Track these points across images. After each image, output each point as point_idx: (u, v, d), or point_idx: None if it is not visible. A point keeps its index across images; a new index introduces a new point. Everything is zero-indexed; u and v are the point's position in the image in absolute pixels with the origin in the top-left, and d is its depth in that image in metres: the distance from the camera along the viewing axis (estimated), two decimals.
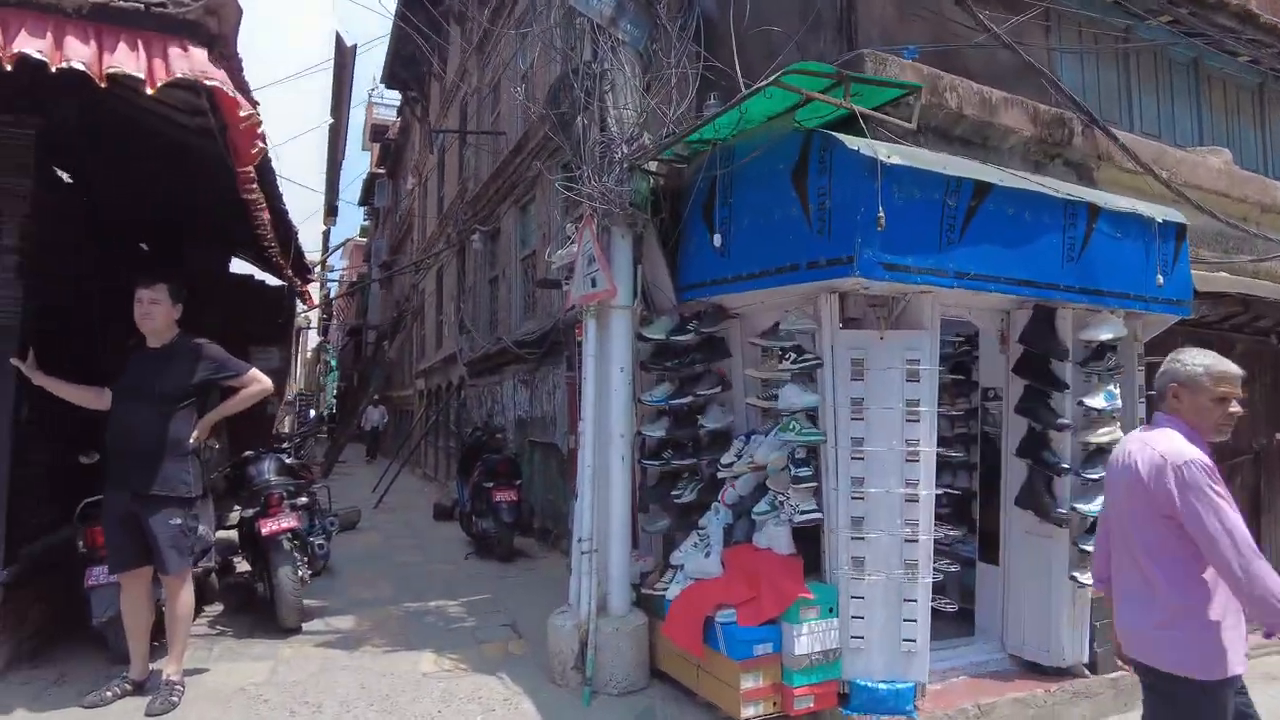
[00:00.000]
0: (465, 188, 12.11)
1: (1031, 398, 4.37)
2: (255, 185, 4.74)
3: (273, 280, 9.81)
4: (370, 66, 40.96)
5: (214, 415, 4.05)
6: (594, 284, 4.21)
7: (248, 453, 6.16)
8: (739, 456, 4.30)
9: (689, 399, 4.45)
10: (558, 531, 8.02)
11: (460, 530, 8.76)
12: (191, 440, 3.88)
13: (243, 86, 3.86)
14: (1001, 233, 3.89)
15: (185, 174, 5.83)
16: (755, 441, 4.30)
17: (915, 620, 3.76)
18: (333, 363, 51.30)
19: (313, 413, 9.76)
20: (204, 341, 4.03)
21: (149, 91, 3.24)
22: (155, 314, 3.89)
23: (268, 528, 4.89)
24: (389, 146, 26.48)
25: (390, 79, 18.39)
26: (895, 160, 3.43)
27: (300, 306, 11.79)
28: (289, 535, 5.02)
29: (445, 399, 13.70)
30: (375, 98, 33.00)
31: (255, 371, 4.13)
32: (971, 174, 3.73)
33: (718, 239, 4.11)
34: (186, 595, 3.90)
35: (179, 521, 3.79)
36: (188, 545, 3.85)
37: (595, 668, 4.00)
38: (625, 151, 4.23)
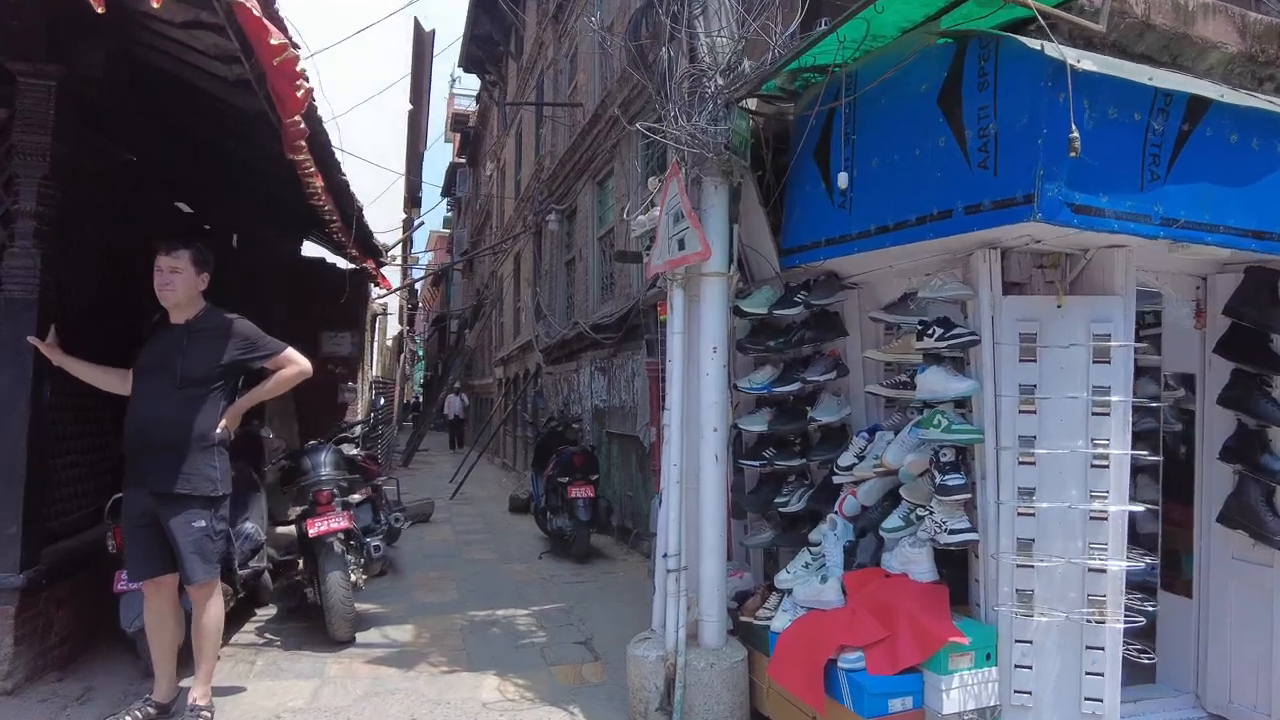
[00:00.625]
0: (541, 167, 11.56)
1: (1241, 385, 3.39)
2: (305, 145, 4.22)
3: (345, 264, 9.51)
4: (448, 65, 41.21)
5: (245, 401, 3.52)
6: (681, 246, 3.47)
7: (309, 443, 5.72)
8: (860, 457, 3.50)
9: (796, 386, 3.66)
10: (638, 531, 7.35)
11: (535, 525, 8.23)
12: (219, 430, 3.36)
13: (275, 18, 3.30)
14: (1221, 167, 2.94)
15: (236, 141, 5.42)
16: (881, 439, 3.50)
17: (1102, 674, 2.90)
18: (420, 352, 52.29)
19: (382, 401, 9.42)
20: (234, 317, 3.51)
21: (154, 5, 2.68)
22: (176, 284, 3.38)
23: (315, 528, 4.39)
24: (468, 135, 26.40)
25: (467, 63, 18.08)
26: (1087, 66, 2.55)
27: (375, 291, 11.52)
28: (340, 536, 4.51)
29: (522, 387, 13.25)
30: (456, 89, 33.22)
31: (292, 352, 3.58)
32: (1185, 87, 2.80)
33: (839, 185, 3.30)
34: (214, 608, 3.39)
35: (203, 524, 3.28)
36: (214, 550, 3.34)
37: (683, 711, 3.29)
38: (720, 84, 3.46)
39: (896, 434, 3.39)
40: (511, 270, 15.58)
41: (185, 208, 7.51)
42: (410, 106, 19.22)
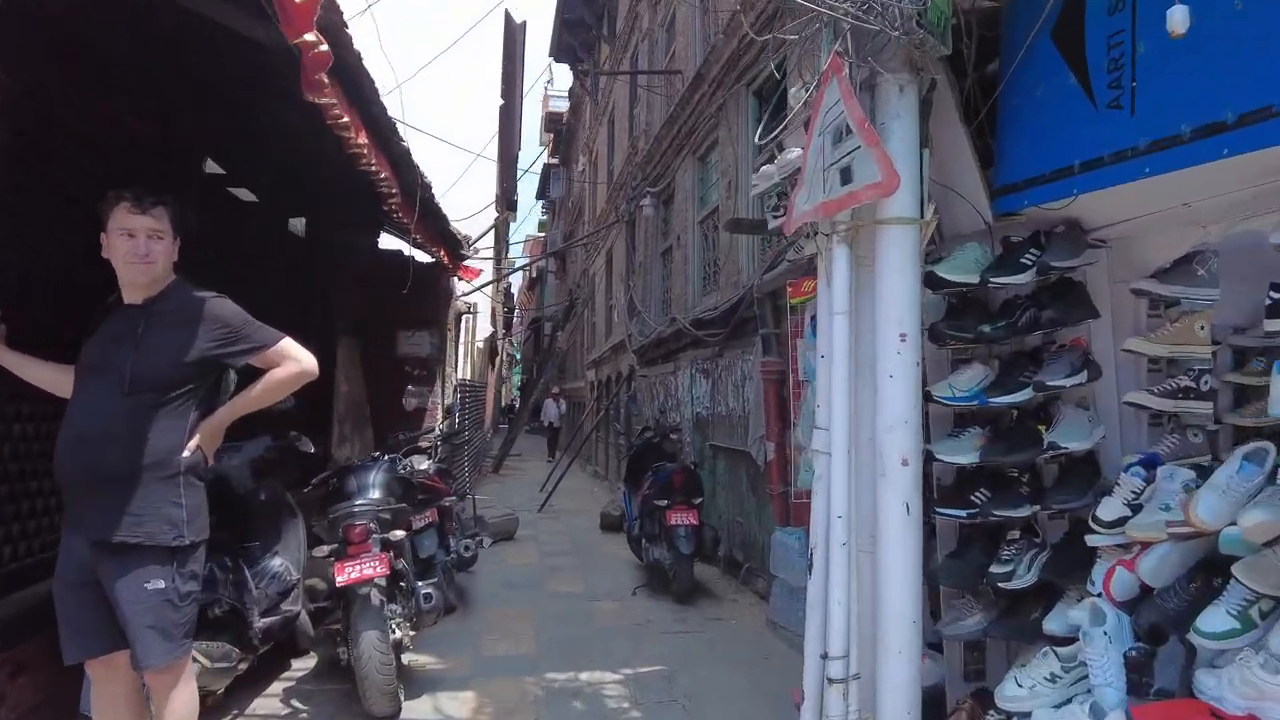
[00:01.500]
0: (635, 149, 10.50)
1: None
2: (326, 82, 3.26)
3: (425, 258, 8.72)
4: (538, 68, 41.15)
5: (227, 413, 2.54)
6: (847, 179, 2.26)
7: (360, 459, 4.82)
8: (1134, 506, 2.21)
9: (1025, 394, 2.39)
10: (750, 565, 6.14)
11: (628, 548, 7.16)
12: (187, 453, 2.39)
13: None
14: None
15: (284, 107, 4.57)
16: (1170, 479, 2.19)
17: None
18: (517, 355, 52.48)
19: (456, 405, 8.58)
20: (210, 295, 2.54)
21: None
22: (157, 255, 2.45)
23: (344, 575, 3.41)
24: (561, 132, 25.82)
25: (559, 51, 17.30)
26: None
27: (460, 287, 10.76)
28: (380, 584, 3.52)
29: (614, 392, 12.22)
30: (550, 90, 32.90)
31: (289, 344, 2.58)
32: None
33: (1105, 81, 2.02)
34: (181, 699, 2.43)
35: (162, 585, 2.32)
36: (180, 621, 2.37)
37: None
38: None
39: (1213, 476, 2.07)
40: (603, 266, 14.63)
41: (247, 194, 6.86)
42: (502, 102, 18.67)
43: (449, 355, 9.95)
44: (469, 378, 14.61)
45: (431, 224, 6.72)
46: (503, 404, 40.02)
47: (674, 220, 8.96)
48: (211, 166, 5.78)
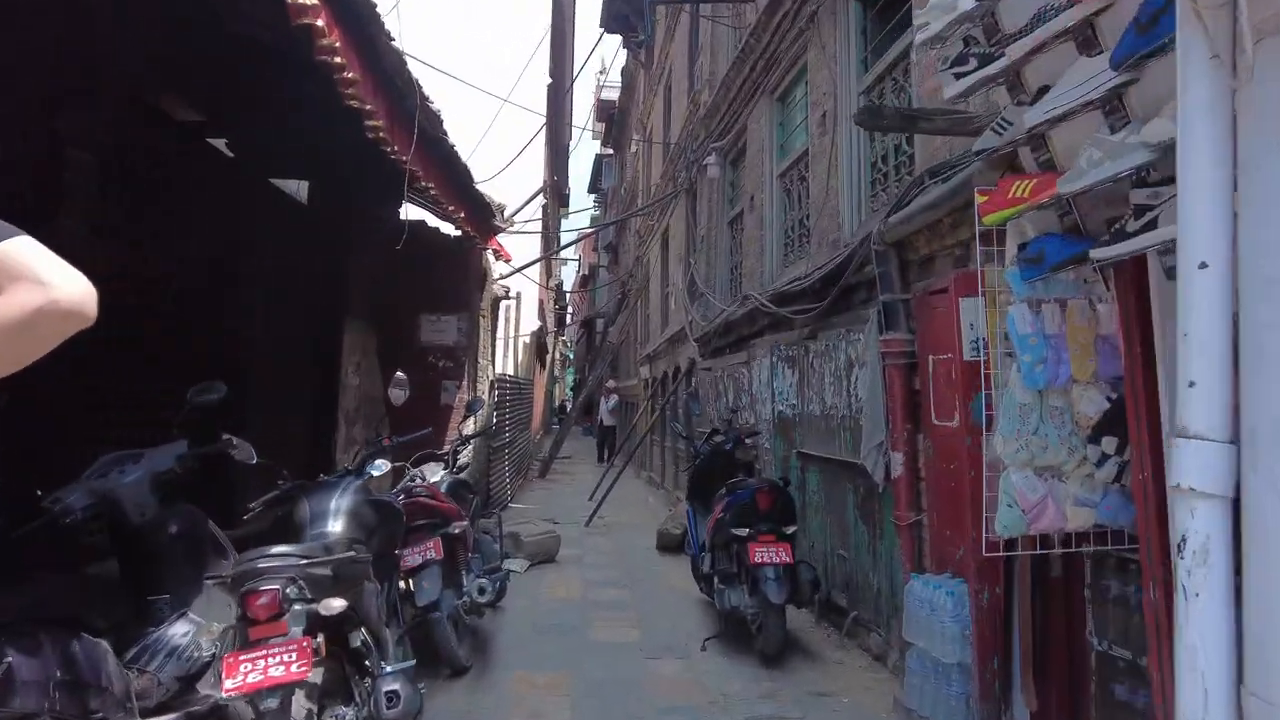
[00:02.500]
0: (696, 105, 9.04)
1: None
2: None
3: (452, 231, 7.45)
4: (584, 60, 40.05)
5: None
6: None
7: (326, 475, 3.51)
8: None
9: None
10: (860, 615, 4.62)
11: (690, 573, 5.74)
12: None
13: None
14: None
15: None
16: None
17: None
18: (570, 354, 51.38)
19: (480, 404, 7.21)
20: None
21: None
22: None
23: (233, 678, 2.04)
24: (613, 118, 24.56)
25: (609, 20, 15.89)
26: None
27: (498, 269, 9.47)
28: (309, 683, 2.14)
29: (671, 389, 10.76)
30: (603, 81, 31.75)
31: (27, 250, 1.18)
32: None
33: None
34: None
35: None
36: None
37: None
38: None
39: None
40: (658, 250, 13.20)
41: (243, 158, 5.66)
42: (550, 80, 17.42)
43: (483, 345, 8.65)
44: (512, 373, 13.37)
45: (447, 172, 5.41)
46: (555, 404, 39.06)
47: (744, 179, 7.48)
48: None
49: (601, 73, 37.61)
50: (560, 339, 49.53)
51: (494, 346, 9.64)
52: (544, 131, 14.71)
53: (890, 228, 3.89)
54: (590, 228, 28.86)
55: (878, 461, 4.27)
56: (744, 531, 4.39)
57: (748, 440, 5.81)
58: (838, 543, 4.95)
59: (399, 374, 7.32)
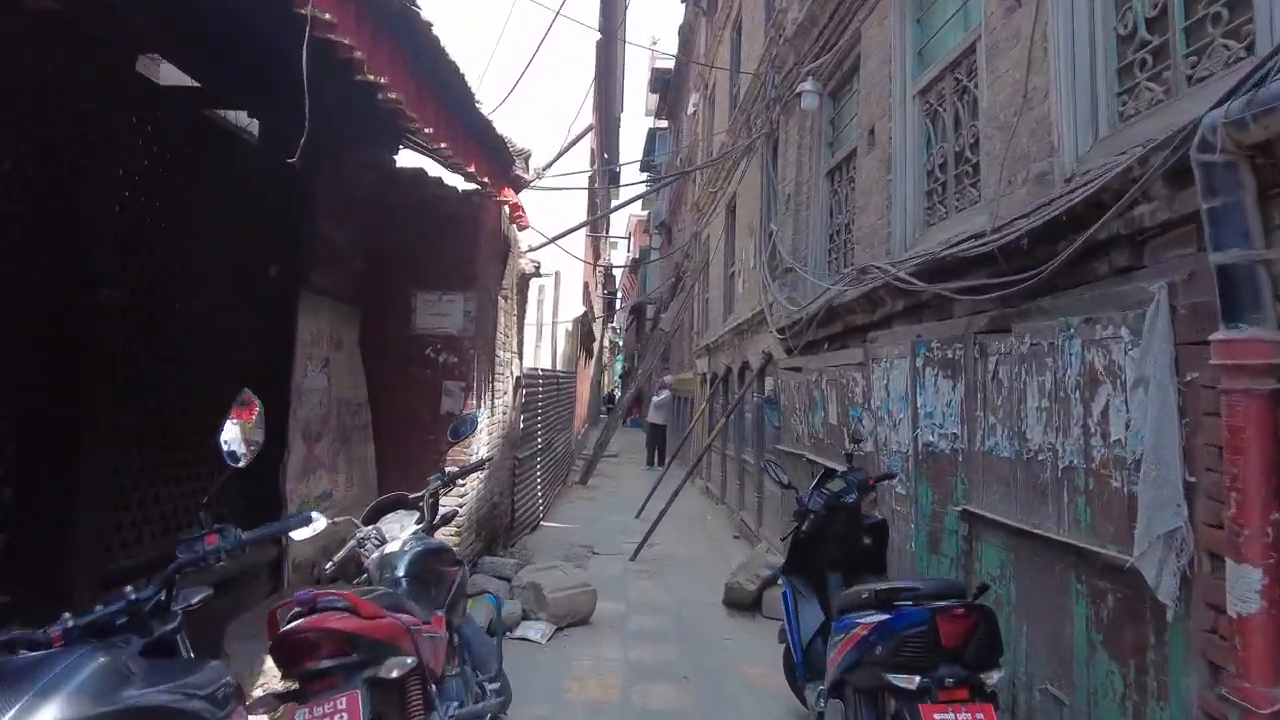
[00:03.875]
0: (780, 26, 6.97)
1: None
2: None
3: (462, 184, 5.63)
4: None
5: None
6: None
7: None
8: None
9: None
10: None
11: (778, 660, 3.82)
12: None
13: None
14: None
15: None
16: None
17: None
18: (619, 342, 49.59)
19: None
20: None
21: None
22: None
23: None
24: (668, 83, 22.57)
25: None
26: None
27: (525, 239, 7.60)
28: None
29: (740, 391, 8.77)
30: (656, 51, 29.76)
31: None
32: None
33: None
34: None
35: None
36: None
37: None
38: None
39: None
40: (721, 224, 11.17)
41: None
42: (600, 36, 15.47)
43: (504, 332, 6.81)
44: (548, 367, 11.54)
45: (446, 101, 3.56)
46: (604, 393, 37.39)
47: (857, 109, 5.43)
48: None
49: (654, 44, 35.53)
50: (609, 326, 47.91)
51: (521, 334, 7.79)
52: (591, 94, 12.76)
53: (1244, 122, 1.86)
54: (646, 186, 26.91)
55: (1167, 564, 2.26)
56: (913, 682, 2.42)
57: (870, 487, 3.84)
58: (1044, 672, 2.94)
59: (448, 383, 5.57)
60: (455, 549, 4.15)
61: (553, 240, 7.55)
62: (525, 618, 5.51)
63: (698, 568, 7.42)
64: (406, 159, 5.95)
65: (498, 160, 5.31)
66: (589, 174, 11.22)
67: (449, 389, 5.53)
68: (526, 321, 8.44)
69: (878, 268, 4.42)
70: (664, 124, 28.04)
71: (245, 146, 4.62)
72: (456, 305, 5.57)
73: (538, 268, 7.48)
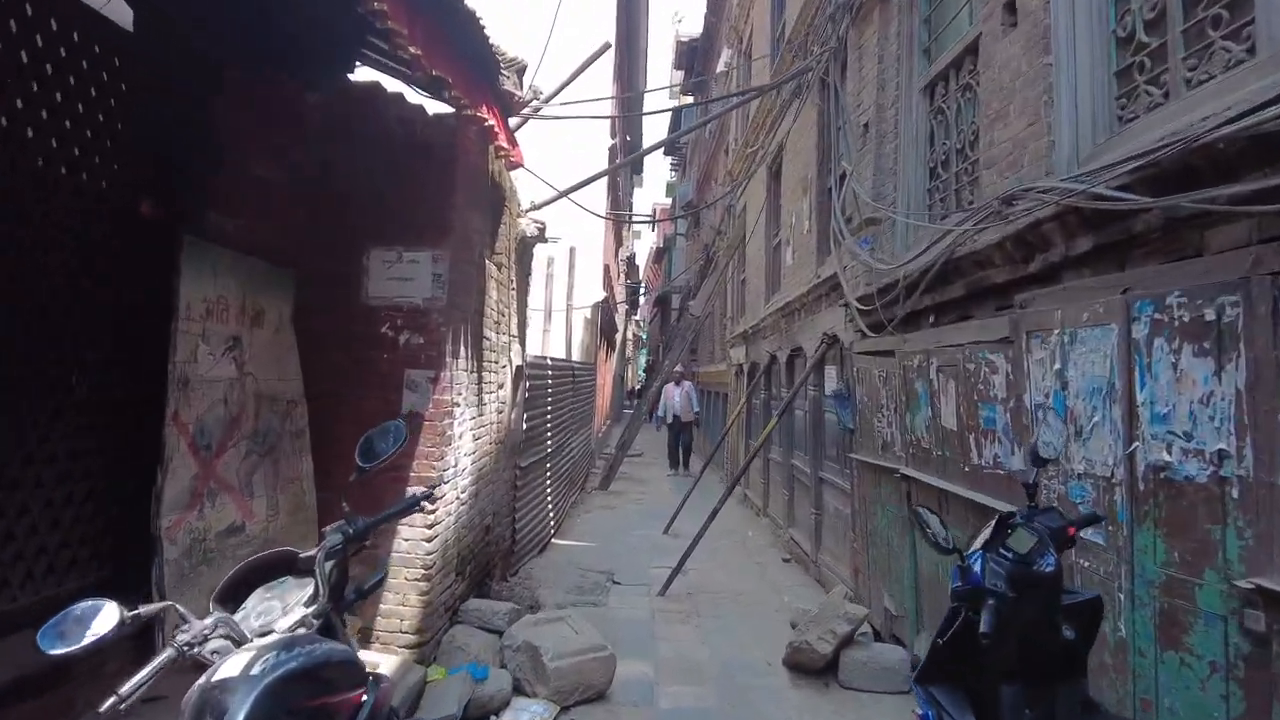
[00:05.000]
0: None
1: None
2: None
3: (434, 107, 4.17)
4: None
5: None
6: None
7: None
8: None
9: None
10: None
11: None
12: None
13: None
14: None
15: None
16: None
17: None
18: (644, 335, 48.10)
19: (463, 411, 4.18)
20: None
21: None
22: None
23: None
24: (695, 53, 21.01)
25: None
26: None
27: (526, 195, 6.11)
28: None
29: (798, 383, 7.24)
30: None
31: None
32: None
33: None
34: None
35: None
36: None
37: None
38: None
39: None
40: (762, 189, 9.60)
41: None
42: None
43: (498, 309, 5.34)
44: (561, 356, 10.06)
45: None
46: (627, 388, 35.98)
47: None
48: None
49: (678, 20, 33.92)
50: (633, 318, 46.51)
51: (523, 314, 6.31)
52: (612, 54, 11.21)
53: None
54: (669, 222, 25.46)
55: None
56: None
57: (1075, 531, 2.28)
58: None
59: (410, 372, 4.12)
60: (375, 653, 2.67)
61: (563, 194, 6.05)
62: (519, 691, 4.04)
63: (744, 604, 5.91)
64: (363, 76, 4.48)
65: (480, 69, 3.82)
66: (608, 102, 9.63)
67: (412, 380, 4.05)
68: (532, 302, 6.96)
69: (1042, 191, 2.86)
70: (689, 100, 26.40)
71: (110, 35, 3.17)
72: (422, 266, 4.09)
73: (542, 231, 5.99)
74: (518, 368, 6.11)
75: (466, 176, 4.32)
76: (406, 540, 4.03)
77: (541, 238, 6.09)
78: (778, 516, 8.46)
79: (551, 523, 7.68)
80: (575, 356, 11.25)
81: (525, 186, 6.28)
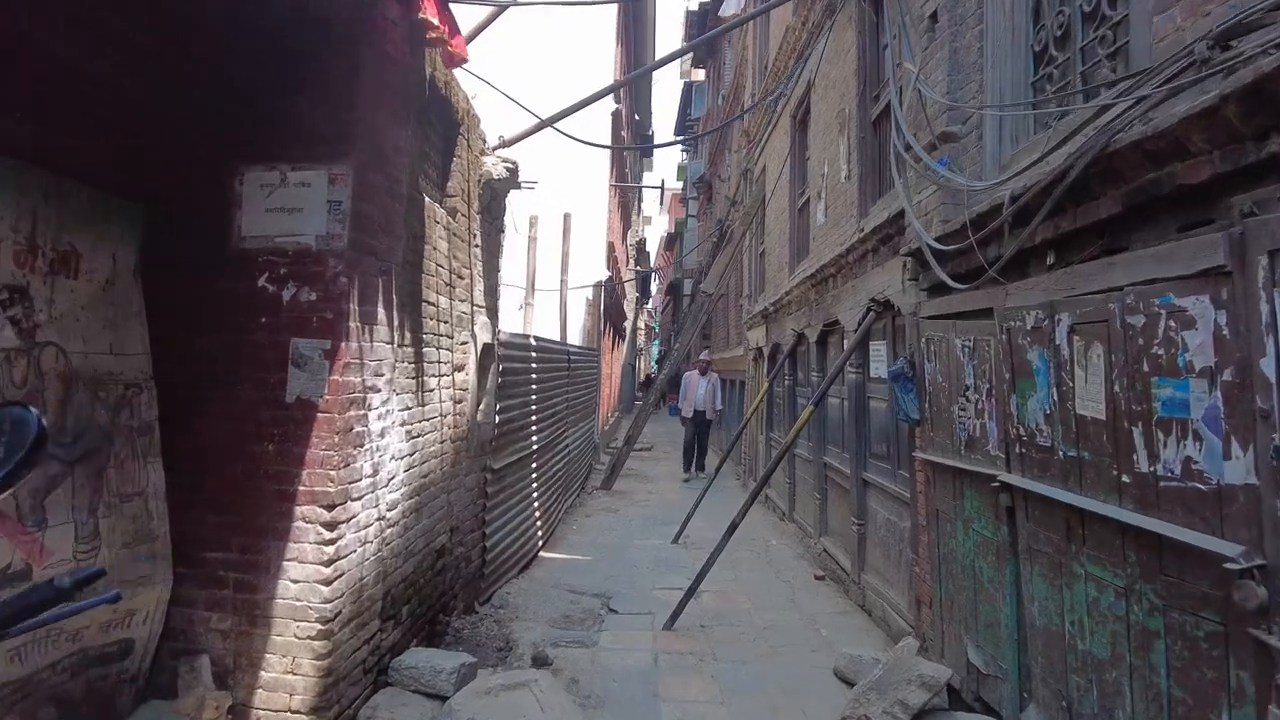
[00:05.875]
0: None
1: None
2: None
3: None
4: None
5: None
6: None
7: None
8: None
9: None
10: None
11: None
12: None
13: None
14: None
15: None
16: None
17: None
18: (656, 326, 46.85)
19: (389, 400, 3.07)
20: None
21: None
22: None
23: None
24: (706, 15, 19.65)
25: None
26: None
27: (488, 129, 4.87)
28: None
29: (838, 363, 5.99)
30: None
31: None
32: None
33: None
34: None
35: None
36: None
37: None
38: None
39: None
40: (785, 142, 8.29)
41: None
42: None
43: (458, 270, 4.12)
44: (562, 340, 8.81)
45: None
46: (639, 379, 34.88)
47: None
48: None
49: None
50: (644, 308, 45.32)
51: (494, 279, 5.09)
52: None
53: None
54: (679, 208, 24.24)
55: None
56: None
57: None
58: None
59: (299, 341, 2.88)
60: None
61: (546, 124, 4.78)
62: None
63: (772, 642, 4.67)
64: None
65: None
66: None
67: (299, 354, 2.83)
68: (512, 270, 5.72)
69: None
70: (700, 75, 25.04)
71: None
72: (315, 192, 2.86)
73: (513, 173, 4.73)
74: (486, 346, 4.88)
75: (381, 68, 3.08)
76: (295, 582, 2.82)
77: (514, 182, 4.84)
78: (806, 523, 7.21)
79: (539, 533, 6.47)
80: (574, 341, 10.01)
81: (497, 119, 5.04)
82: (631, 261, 28.30)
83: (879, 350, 5.07)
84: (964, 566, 3.50)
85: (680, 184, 37.53)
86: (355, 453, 2.96)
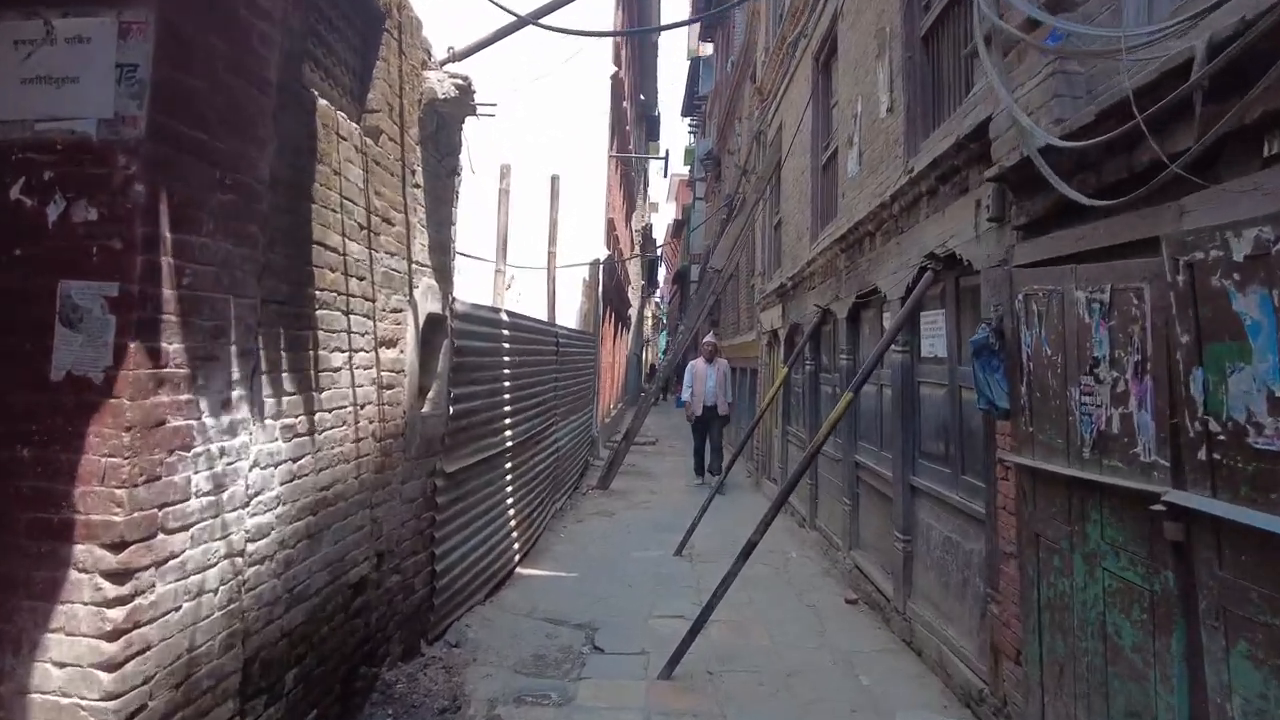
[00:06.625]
0: None
1: None
2: None
3: None
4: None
5: None
6: None
7: None
8: None
9: None
10: None
11: None
12: None
13: None
14: None
15: None
16: None
17: None
18: (664, 317, 45.90)
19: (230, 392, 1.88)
20: None
21: None
22: None
23: None
24: None
25: None
26: None
27: (429, 35, 3.80)
28: None
29: (885, 339, 4.90)
30: None
31: None
32: None
33: None
34: None
35: None
36: None
37: None
38: None
39: None
40: (805, 90, 7.18)
41: None
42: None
43: (384, 210, 3.05)
44: (551, 320, 7.73)
45: None
46: (645, 369, 33.92)
47: None
48: None
49: None
50: (651, 298, 44.20)
51: (446, 232, 4.03)
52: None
53: None
54: (685, 194, 23.17)
55: None
56: None
57: None
58: None
59: (69, 284, 1.81)
60: None
61: (527, 21, 3.70)
62: None
63: (800, 698, 3.61)
64: None
65: None
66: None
67: (71, 304, 1.79)
68: (477, 231, 4.65)
69: None
70: (708, 49, 23.80)
71: None
72: (98, 49, 1.81)
73: (464, 90, 3.66)
74: (433, 317, 3.83)
75: None
76: (60, 666, 1.78)
77: (468, 105, 3.77)
78: (832, 532, 6.15)
79: (515, 546, 5.43)
80: (567, 323, 8.96)
81: (447, 29, 3.99)
82: (636, 246, 27.21)
83: (934, 322, 3.99)
84: (1085, 620, 2.43)
85: (687, 169, 36.34)
86: (171, 460, 1.91)
